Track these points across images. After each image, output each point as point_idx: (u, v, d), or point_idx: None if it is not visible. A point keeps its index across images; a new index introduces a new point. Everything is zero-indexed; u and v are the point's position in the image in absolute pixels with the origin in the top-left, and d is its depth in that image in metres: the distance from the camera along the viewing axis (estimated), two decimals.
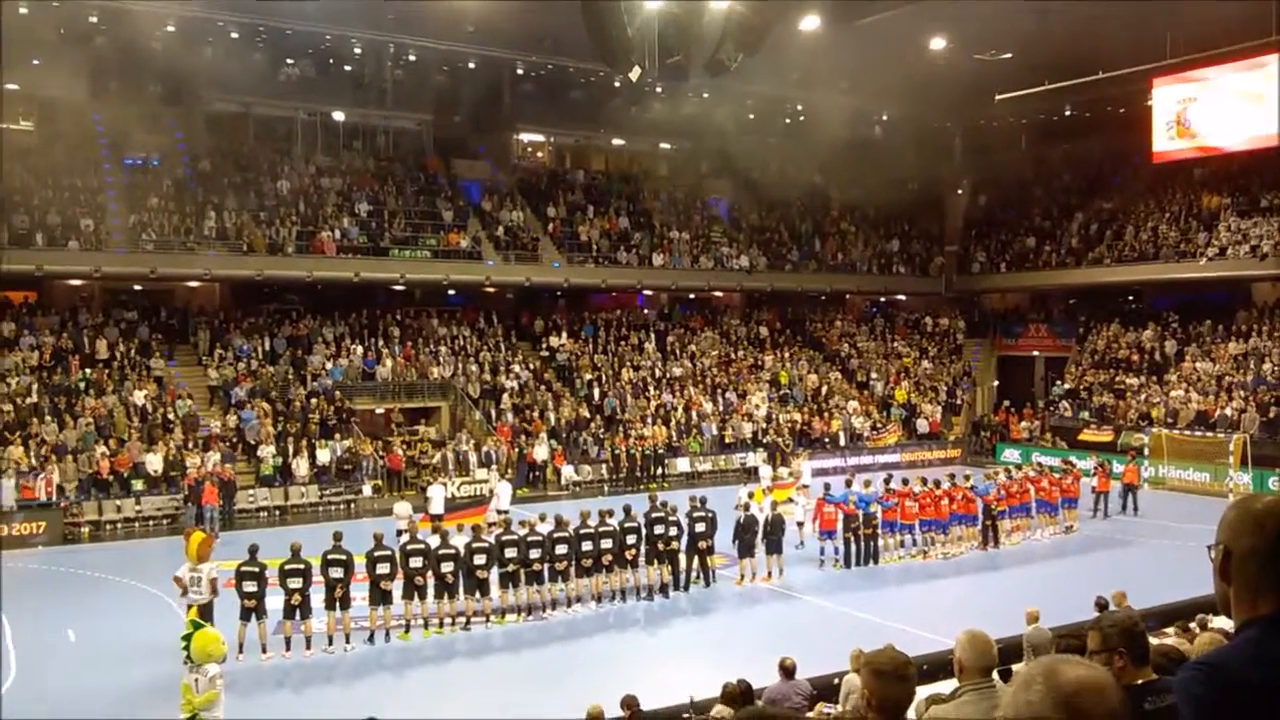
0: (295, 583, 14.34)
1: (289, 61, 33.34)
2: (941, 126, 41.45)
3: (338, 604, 14.59)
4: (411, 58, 33.50)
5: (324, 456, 27.09)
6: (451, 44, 31.71)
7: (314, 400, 29.04)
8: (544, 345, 35.18)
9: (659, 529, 17.40)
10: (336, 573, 14.55)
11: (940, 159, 41.21)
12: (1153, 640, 7.86)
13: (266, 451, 26.53)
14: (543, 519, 17.26)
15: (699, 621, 16.69)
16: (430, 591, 15.48)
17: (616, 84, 32.45)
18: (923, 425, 35.62)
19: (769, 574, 18.57)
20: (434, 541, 15.88)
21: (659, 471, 30.40)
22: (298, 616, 14.40)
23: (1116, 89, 32.58)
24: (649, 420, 31.89)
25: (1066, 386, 35.80)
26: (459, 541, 16.01)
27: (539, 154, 42.48)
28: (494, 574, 15.94)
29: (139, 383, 27.80)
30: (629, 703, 9.13)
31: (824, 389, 36.49)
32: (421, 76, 34.98)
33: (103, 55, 28.77)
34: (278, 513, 25.94)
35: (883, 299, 43.32)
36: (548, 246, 35.92)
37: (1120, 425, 31.99)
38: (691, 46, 22.56)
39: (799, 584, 18.62)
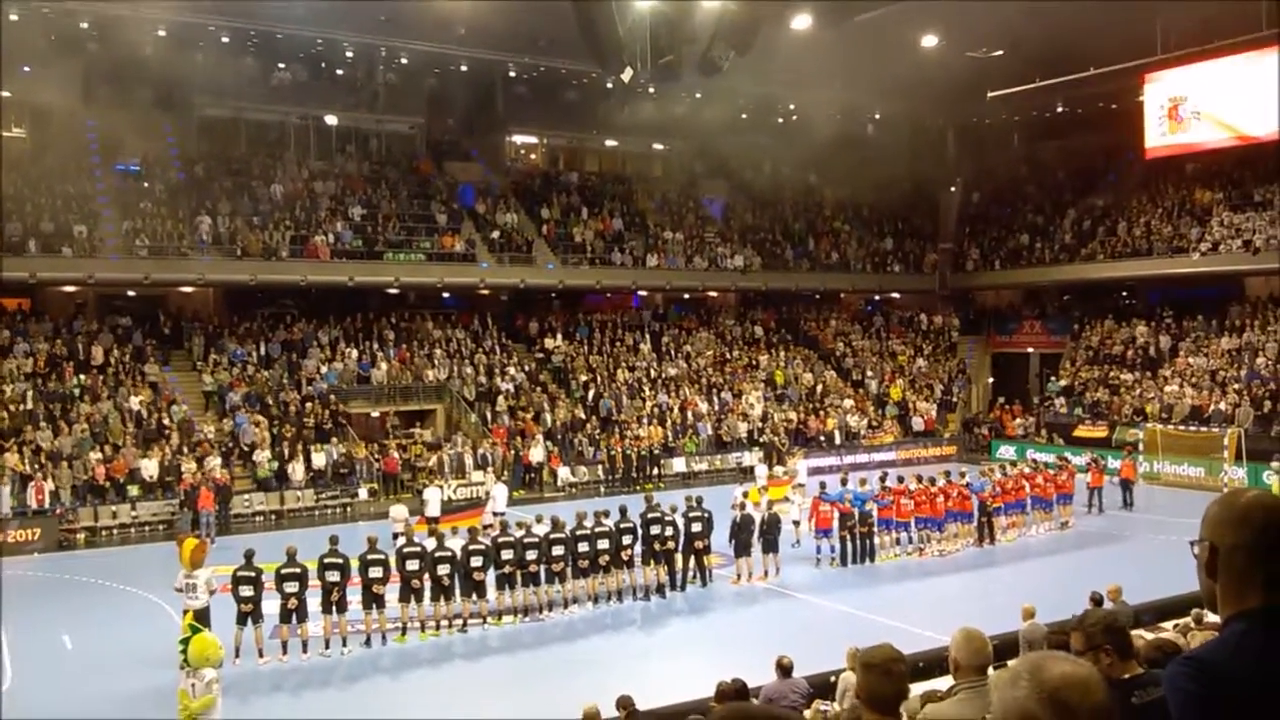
0: (291, 587, 14.34)
1: (281, 66, 33.21)
2: (934, 124, 41.53)
3: (334, 607, 14.63)
4: (403, 61, 33.45)
5: (320, 460, 27.06)
6: (443, 47, 31.66)
7: (309, 404, 29.00)
8: (539, 347, 35.17)
9: (655, 529, 17.41)
10: (333, 576, 14.60)
11: (933, 157, 41.26)
12: (1149, 635, 7.92)
13: (262, 456, 26.51)
14: (539, 520, 17.26)
15: (696, 621, 16.69)
16: (427, 594, 15.49)
17: (609, 85, 32.39)
18: (918, 423, 35.68)
19: (765, 573, 18.58)
20: (430, 544, 15.91)
21: (655, 472, 30.38)
22: (294, 620, 14.39)
23: (1108, 85, 32.58)
24: (645, 421, 31.89)
25: (1061, 383, 35.83)
26: (455, 544, 15.99)
27: (532, 156, 42.49)
28: (490, 576, 15.95)
29: (134, 389, 27.75)
30: (625, 703, 9.13)
31: (819, 388, 36.51)
32: (414, 80, 34.99)
33: (94, 61, 28.67)
34: (274, 517, 25.90)
35: (877, 297, 43.34)
36: (542, 248, 35.91)
37: (1115, 421, 32.04)
38: (683, 46, 22.53)
39: (795, 583, 18.63)
